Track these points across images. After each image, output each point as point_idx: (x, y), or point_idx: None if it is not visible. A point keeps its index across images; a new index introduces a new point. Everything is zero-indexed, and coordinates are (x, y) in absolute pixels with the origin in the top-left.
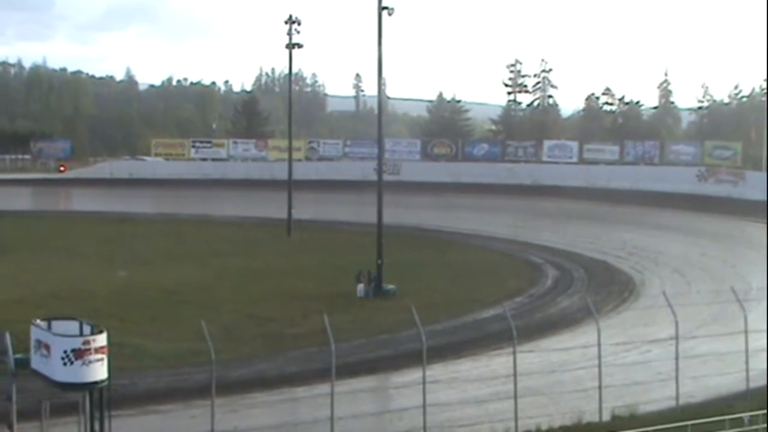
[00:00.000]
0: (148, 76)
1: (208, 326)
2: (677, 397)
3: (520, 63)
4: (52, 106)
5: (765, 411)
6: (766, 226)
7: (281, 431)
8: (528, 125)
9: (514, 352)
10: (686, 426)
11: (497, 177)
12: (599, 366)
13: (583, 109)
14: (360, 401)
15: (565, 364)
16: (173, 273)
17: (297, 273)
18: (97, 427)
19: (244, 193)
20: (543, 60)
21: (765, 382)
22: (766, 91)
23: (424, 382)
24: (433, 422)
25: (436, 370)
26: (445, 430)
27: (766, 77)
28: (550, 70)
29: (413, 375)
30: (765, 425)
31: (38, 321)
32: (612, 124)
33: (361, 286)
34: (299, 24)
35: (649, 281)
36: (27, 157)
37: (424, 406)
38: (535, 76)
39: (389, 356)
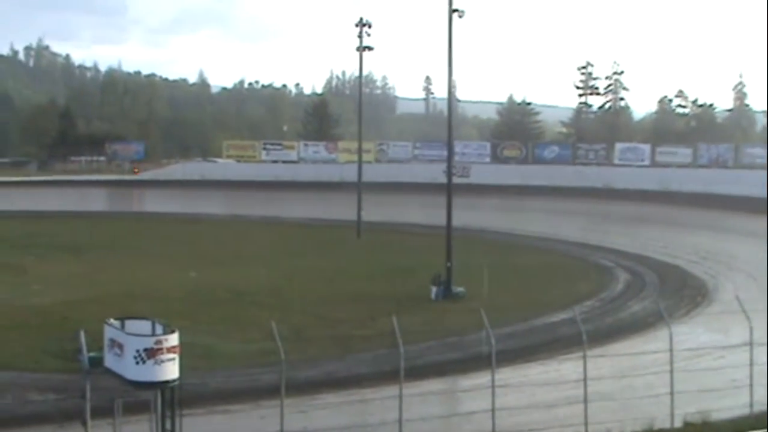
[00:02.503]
0: (220, 79)
1: (278, 327)
2: (751, 405)
3: (592, 65)
4: (127, 109)
5: None
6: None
7: None
8: (599, 128)
9: (584, 357)
10: None
11: (567, 180)
12: (671, 371)
13: (656, 112)
14: (428, 404)
15: (636, 369)
16: (243, 274)
17: (366, 274)
18: (168, 425)
19: (314, 194)
20: (615, 62)
21: None
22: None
23: (493, 386)
24: (501, 426)
25: (505, 374)
26: None
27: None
28: (622, 72)
29: (482, 378)
30: None
31: (111, 320)
32: (685, 127)
33: (434, 289)
34: (370, 27)
35: (723, 286)
36: (102, 158)
37: (492, 409)
38: (606, 78)
39: (458, 359)
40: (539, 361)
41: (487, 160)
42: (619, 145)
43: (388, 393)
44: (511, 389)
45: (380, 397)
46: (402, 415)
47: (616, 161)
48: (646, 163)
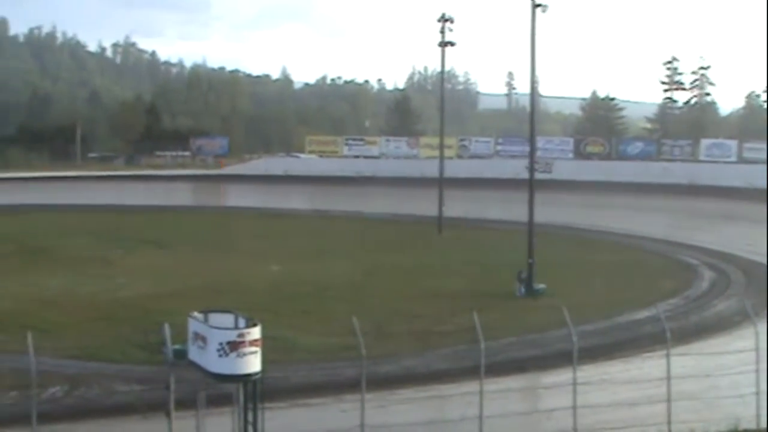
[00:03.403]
0: (302, 75)
1: (359, 322)
2: None
3: (677, 60)
4: (211, 105)
5: None
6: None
7: (429, 428)
8: (684, 123)
9: (667, 355)
10: None
11: (652, 176)
12: (757, 371)
13: (743, 107)
14: (508, 400)
15: (720, 368)
16: (325, 268)
17: (447, 270)
18: (250, 418)
19: (396, 190)
20: (701, 57)
21: None
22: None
23: (574, 383)
24: (583, 424)
25: (587, 371)
26: None
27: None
28: (708, 67)
29: (563, 375)
30: None
31: (195, 313)
32: None
33: (519, 285)
34: (452, 22)
35: None
36: (187, 153)
37: (574, 407)
38: (692, 73)
39: (539, 356)
40: (621, 359)
41: (570, 155)
42: (704, 141)
43: (468, 389)
44: (593, 387)
45: (460, 393)
46: (482, 411)
47: (702, 157)
48: (733, 159)
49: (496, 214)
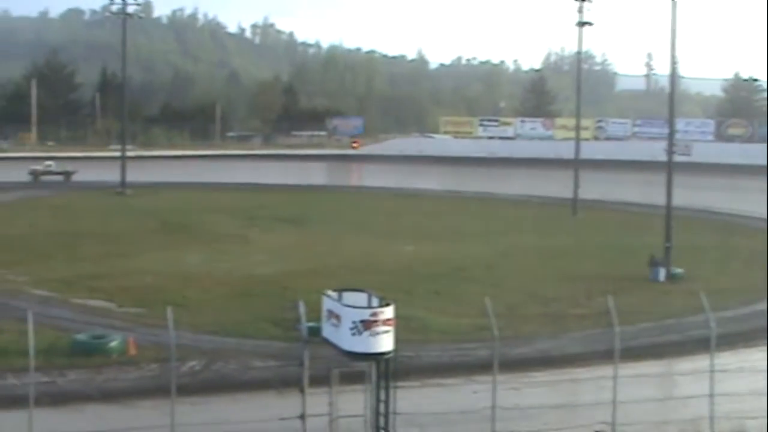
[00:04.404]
0: (438, 55)
1: (492, 303)
2: None
3: None
4: (347, 85)
5: None
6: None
7: (562, 412)
8: None
9: None
10: None
11: None
12: None
13: None
14: (643, 386)
15: None
16: (459, 249)
17: (582, 253)
18: (383, 396)
19: (530, 171)
20: None
21: None
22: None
23: (712, 370)
24: (720, 412)
25: (725, 359)
26: (732, 420)
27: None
28: None
29: (700, 362)
30: None
31: (329, 291)
32: None
33: (659, 269)
34: (590, 1)
35: None
36: (323, 133)
37: (711, 394)
38: None
39: (675, 342)
40: (761, 347)
41: (710, 138)
42: None
43: (602, 373)
44: (731, 375)
45: (593, 377)
46: (616, 396)
47: None
48: None
49: (633, 197)
